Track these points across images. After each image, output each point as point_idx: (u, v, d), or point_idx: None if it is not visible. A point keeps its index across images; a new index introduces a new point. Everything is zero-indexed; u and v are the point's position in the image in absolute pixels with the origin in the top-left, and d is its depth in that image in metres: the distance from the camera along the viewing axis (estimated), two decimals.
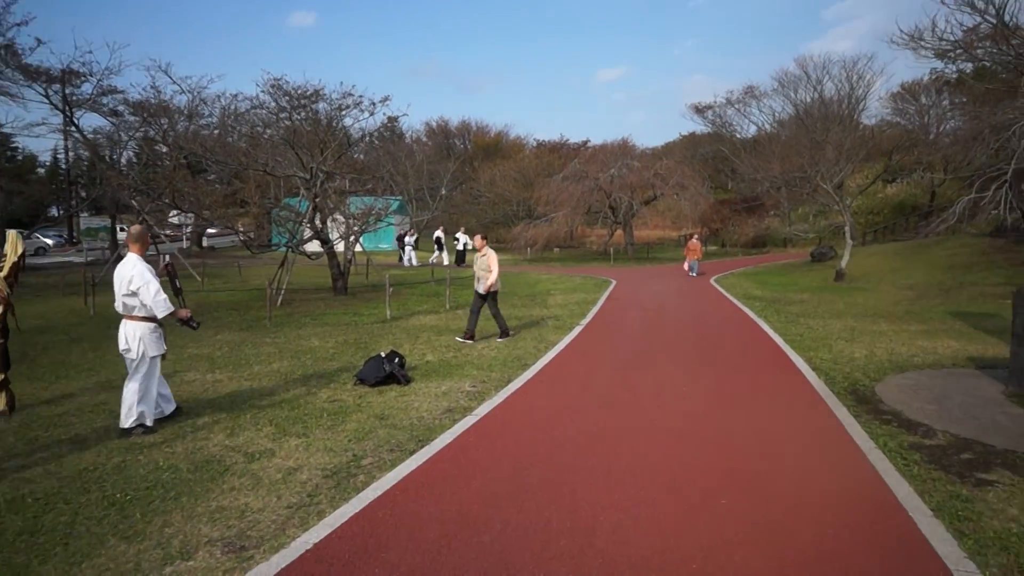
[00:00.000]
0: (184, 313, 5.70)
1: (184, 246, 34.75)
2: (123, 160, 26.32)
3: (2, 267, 5.06)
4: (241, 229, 22.54)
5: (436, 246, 31.58)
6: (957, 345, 8.98)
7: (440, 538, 3.43)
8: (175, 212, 22.51)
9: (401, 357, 7.59)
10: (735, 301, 15.08)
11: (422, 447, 5.01)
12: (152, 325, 5.37)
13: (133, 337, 5.32)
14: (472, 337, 9.90)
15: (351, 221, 17.81)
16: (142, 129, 23.14)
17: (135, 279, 5.24)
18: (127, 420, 5.26)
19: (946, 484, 4.18)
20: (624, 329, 11.16)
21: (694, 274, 22.54)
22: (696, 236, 25.38)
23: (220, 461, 4.69)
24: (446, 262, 30.31)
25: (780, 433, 5.26)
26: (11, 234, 5.26)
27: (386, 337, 10.37)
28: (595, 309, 13.89)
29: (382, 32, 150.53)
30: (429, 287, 19.10)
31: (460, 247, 30.22)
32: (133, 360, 5.32)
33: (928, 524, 3.59)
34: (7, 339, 5.40)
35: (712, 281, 20.76)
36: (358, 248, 19.79)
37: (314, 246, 18.33)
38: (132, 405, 5.26)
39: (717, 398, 6.40)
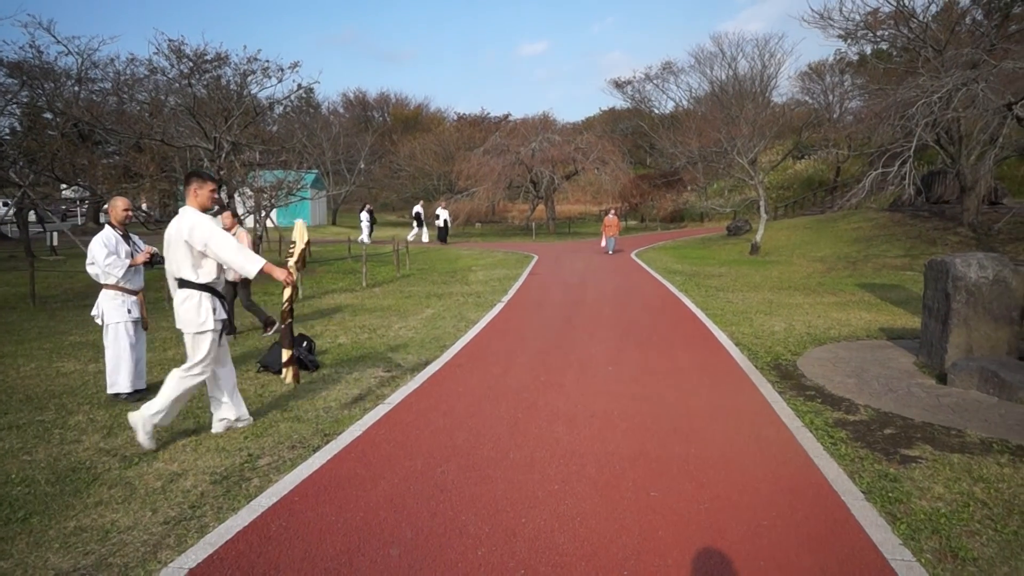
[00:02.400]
0: (141, 257, 5.67)
1: (79, 223, 32.21)
2: (1, 128, 23.86)
3: (292, 253, 5.01)
4: (144, 206, 20.97)
5: (415, 222, 30.16)
6: (869, 316, 9.19)
7: (341, 554, 3.01)
8: (65, 186, 20.64)
9: (310, 341, 7.06)
10: (656, 275, 15.13)
11: (327, 442, 4.54)
12: (112, 292, 5.53)
13: (98, 304, 5.59)
14: (270, 323, 8.65)
15: (263, 194, 16.78)
16: (22, 93, 20.93)
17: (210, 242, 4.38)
18: (111, 387, 5.56)
19: (873, 463, 4.09)
20: (546, 306, 10.91)
21: (611, 252, 21.75)
22: (613, 211, 23.92)
23: (89, 468, 4.08)
24: (425, 239, 29.14)
25: (708, 414, 5.09)
26: (299, 223, 5.21)
27: (297, 318, 9.70)
28: (517, 285, 13.60)
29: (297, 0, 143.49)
30: (346, 264, 18.32)
31: (441, 223, 28.85)
32: (101, 327, 5.60)
33: (860, 509, 3.45)
34: (292, 319, 5.08)
35: (633, 255, 20.90)
36: (270, 224, 18.75)
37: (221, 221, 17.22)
38: (108, 372, 5.55)
39: (642, 378, 6.20)
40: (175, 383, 4.45)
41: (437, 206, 30.31)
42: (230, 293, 8.27)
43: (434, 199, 37.62)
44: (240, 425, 4.89)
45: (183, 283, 4.52)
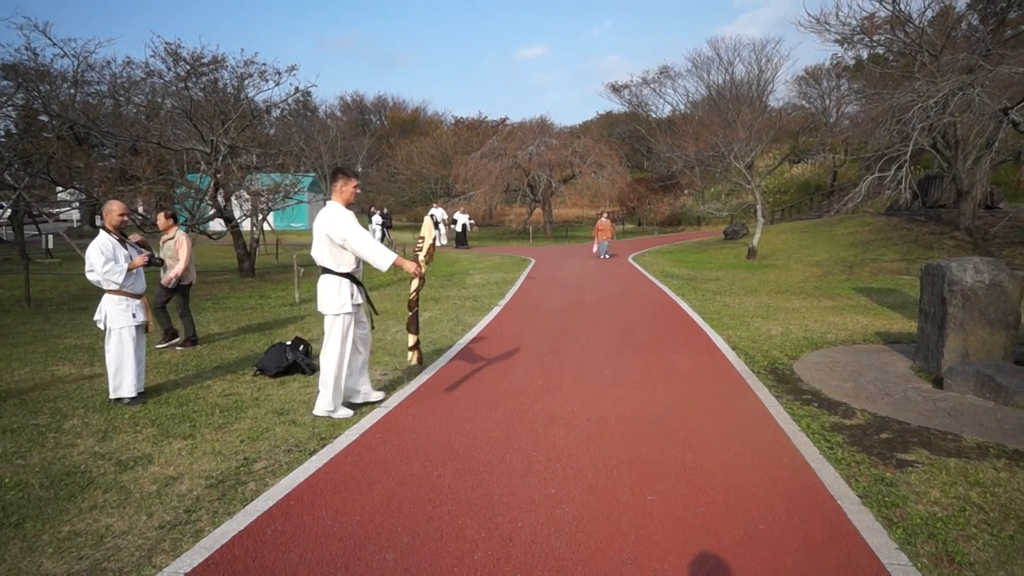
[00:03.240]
0: (140, 260, 5.68)
1: (75, 225, 32.11)
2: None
3: (421, 248, 5.33)
4: (140, 209, 20.87)
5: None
6: (865, 321, 9.21)
7: (337, 558, 3.00)
8: (62, 189, 20.57)
9: (307, 344, 7.03)
10: (653, 279, 15.15)
11: (324, 446, 4.53)
12: (116, 297, 5.52)
13: (101, 308, 5.56)
14: (173, 336, 8.16)
15: (259, 197, 16.77)
16: (18, 95, 20.88)
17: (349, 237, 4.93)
18: (112, 392, 5.53)
19: (870, 467, 4.09)
20: (543, 309, 10.91)
21: (605, 256, 21.21)
22: (606, 215, 22.64)
23: (84, 473, 4.06)
24: (444, 241, 28.56)
25: (705, 418, 5.09)
26: (427, 220, 5.58)
27: (294, 322, 9.72)
28: (514, 289, 13.60)
29: (295, 3, 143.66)
30: None
31: (459, 228, 27.96)
32: (103, 331, 5.57)
33: (857, 513, 3.45)
34: (418, 307, 5.53)
35: (630, 259, 20.92)
36: (267, 227, 18.74)
37: (217, 225, 17.18)
38: (110, 377, 5.52)
39: (639, 381, 6.20)
40: (327, 366, 5.11)
41: (455, 209, 29.69)
42: (162, 297, 8.06)
43: (433, 202, 37.55)
44: (373, 398, 5.57)
45: (325, 270, 5.10)
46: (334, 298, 5.04)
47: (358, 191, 5.19)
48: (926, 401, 5.47)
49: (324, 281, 5.09)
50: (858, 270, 15.93)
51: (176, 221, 8.34)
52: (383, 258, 4.93)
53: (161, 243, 8.22)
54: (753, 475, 3.96)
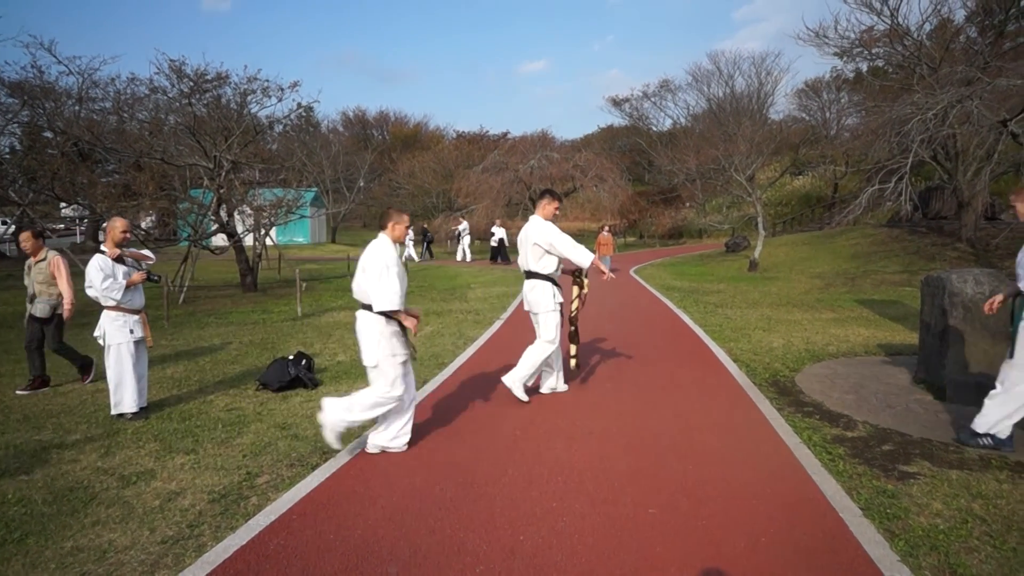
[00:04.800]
0: (138, 277, 5.71)
1: (78, 241, 32.25)
2: (2, 147, 23.97)
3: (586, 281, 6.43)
4: (145, 224, 20.97)
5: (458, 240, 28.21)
6: (867, 333, 9.20)
7: (339, 572, 3.01)
8: (65, 205, 20.69)
9: (309, 359, 7.05)
10: (654, 292, 15.16)
11: (326, 460, 4.54)
12: (114, 313, 5.55)
13: (100, 324, 5.61)
14: (43, 384, 6.80)
15: (262, 213, 16.84)
16: (23, 112, 21.07)
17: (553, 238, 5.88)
18: (113, 408, 5.56)
19: (871, 479, 4.09)
20: None
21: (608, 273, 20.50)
22: (607, 228, 21.68)
23: (87, 488, 4.07)
24: (459, 257, 27.69)
25: (706, 430, 5.09)
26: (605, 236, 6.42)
27: (296, 336, 9.73)
28: (516, 302, 13.60)
29: (297, 20, 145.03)
30: (345, 281, 18.35)
31: (495, 242, 26.12)
32: (103, 347, 5.59)
33: (858, 525, 3.45)
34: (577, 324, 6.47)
35: (631, 272, 20.94)
36: (269, 242, 18.80)
37: (220, 240, 17.25)
38: (111, 392, 5.55)
39: (641, 394, 6.20)
40: (535, 352, 5.89)
41: (492, 224, 27.95)
42: (37, 334, 6.79)
43: (433, 217, 37.59)
44: (560, 389, 6.30)
45: (531, 274, 6.00)
46: (546, 298, 5.95)
47: (558, 212, 6.11)
48: (928, 413, 5.47)
49: (531, 284, 6.01)
50: (859, 282, 15.93)
51: (43, 240, 6.91)
52: (584, 258, 5.80)
53: (29, 268, 6.84)
54: (755, 487, 3.96)
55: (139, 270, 5.78)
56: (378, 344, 4.52)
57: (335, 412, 4.52)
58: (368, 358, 4.57)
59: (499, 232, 26.26)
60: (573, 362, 6.40)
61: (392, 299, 4.40)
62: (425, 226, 28.82)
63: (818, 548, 3.21)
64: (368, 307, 4.59)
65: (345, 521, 3.55)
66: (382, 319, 4.55)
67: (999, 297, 4.74)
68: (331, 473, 4.27)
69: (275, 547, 3.27)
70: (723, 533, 3.37)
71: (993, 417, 4.52)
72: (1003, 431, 4.53)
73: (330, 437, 4.54)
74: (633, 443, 4.81)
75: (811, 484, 4.00)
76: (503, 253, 25.83)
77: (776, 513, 3.60)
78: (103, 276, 5.44)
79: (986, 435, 4.57)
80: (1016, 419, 4.49)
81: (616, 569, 3.02)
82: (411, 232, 27.16)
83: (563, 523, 3.49)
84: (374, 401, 4.56)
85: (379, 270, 4.48)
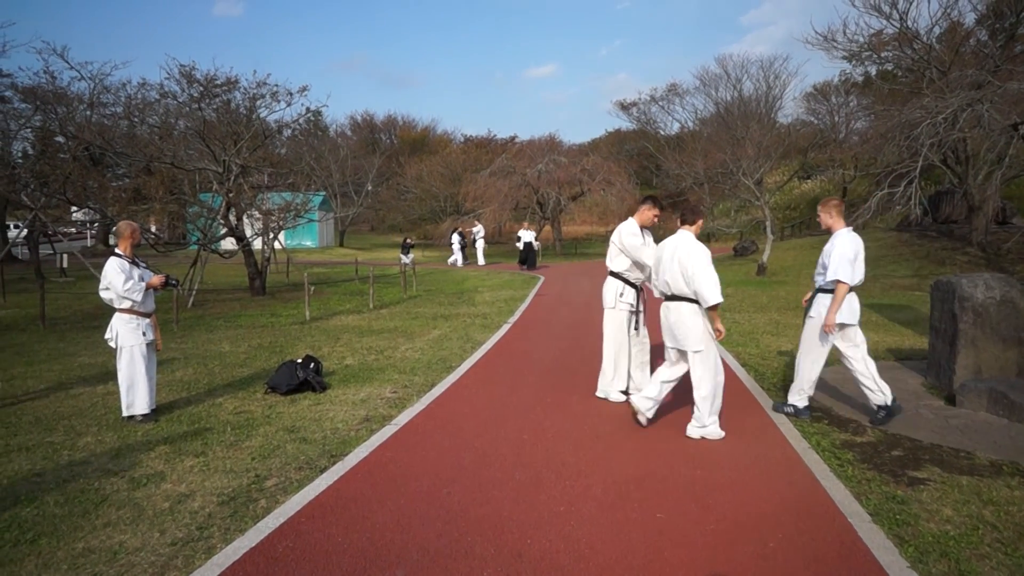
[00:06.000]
0: (157, 280, 5.80)
1: (88, 244, 32.50)
2: (15, 152, 24.19)
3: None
4: (153, 228, 21.12)
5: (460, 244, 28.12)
6: (876, 337, 9.15)
7: (348, 575, 3.02)
8: (76, 209, 20.87)
9: (317, 362, 7.07)
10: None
11: (334, 463, 4.55)
12: (127, 316, 5.61)
13: (112, 327, 5.66)
14: None
15: (271, 217, 16.93)
16: (36, 117, 21.28)
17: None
18: (125, 410, 5.61)
19: (881, 485, 4.07)
20: (553, 326, 10.93)
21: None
22: None
23: (98, 490, 4.10)
24: (461, 263, 27.54)
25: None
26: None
27: (304, 339, 9.77)
28: (523, 306, 13.62)
29: (307, 25, 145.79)
30: (353, 285, 18.42)
31: (521, 245, 24.97)
32: (114, 349, 5.65)
33: (868, 531, 3.43)
34: None
35: None
36: (278, 246, 18.88)
37: (229, 244, 17.34)
38: (123, 395, 5.60)
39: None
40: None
41: (520, 227, 27.28)
42: None
43: (441, 221, 37.61)
44: (634, 399, 5.72)
45: (612, 273, 6.09)
46: (610, 296, 6.06)
47: (656, 220, 6.09)
48: (938, 418, 5.44)
49: (607, 281, 6.12)
50: (869, 286, 15.84)
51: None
52: (644, 260, 5.89)
53: None
54: (763, 492, 3.95)
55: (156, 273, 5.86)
56: (704, 330, 4.95)
57: (695, 431, 5.00)
58: (696, 343, 4.93)
59: (527, 236, 25.36)
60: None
61: (719, 292, 4.86)
62: (460, 229, 28.77)
63: (827, 554, 3.20)
64: (686, 299, 4.98)
65: (353, 524, 3.56)
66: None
67: (808, 294, 5.81)
68: (339, 476, 4.29)
69: (284, 550, 3.28)
70: (731, 538, 3.36)
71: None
72: (799, 402, 5.53)
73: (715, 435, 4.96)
74: (640, 448, 4.81)
75: (820, 489, 3.99)
76: (532, 258, 25.05)
77: (785, 518, 3.59)
78: (124, 277, 5.51)
79: (790, 404, 5.56)
80: (799, 393, 5.50)
81: (624, 574, 3.02)
82: (459, 236, 26.89)
83: (571, 527, 3.49)
84: (711, 392, 4.95)
85: (703, 265, 4.88)
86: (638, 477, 4.22)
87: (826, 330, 5.25)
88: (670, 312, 5.12)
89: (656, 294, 5.48)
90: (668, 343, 5.21)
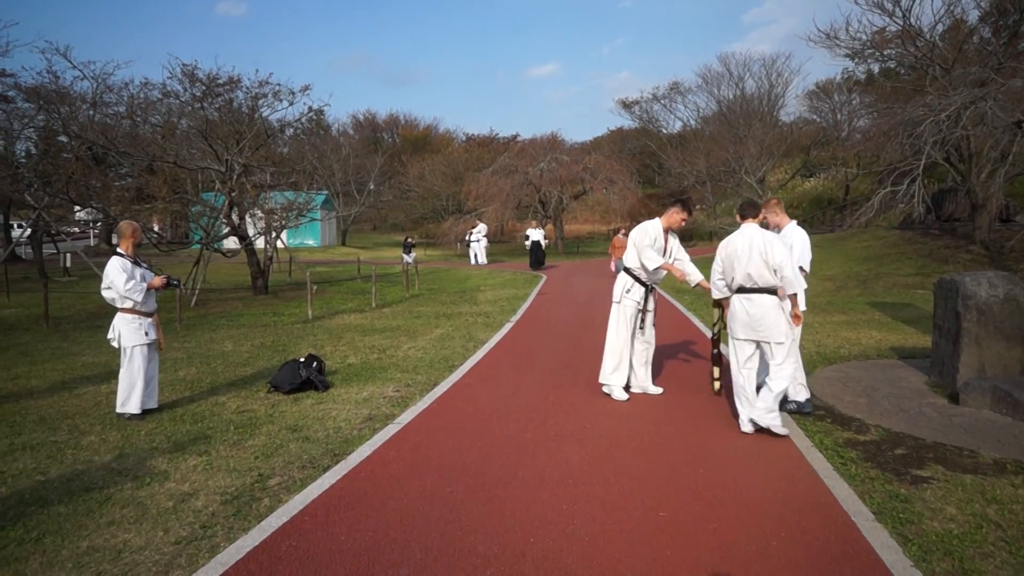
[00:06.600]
0: (159, 281, 5.86)
1: (92, 243, 32.55)
2: (18, 151, 24.24)
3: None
4: (156, 227, 21.15)
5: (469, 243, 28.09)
6: (879, 336, 9.14)
7: (351, 574, 3.02)
8: (79, 208, 20.92)
9: (320, 361, 7.08)
10: (664, 294, 15.13)
11: (337, 462, 4.56)
12: (129, 316, 5.65)
13: (114, 327, 5.70)
14: None
15: (273, 216, 16.96)
16: (39, 117, 21.33)
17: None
18: (121, 407, 5.65)
19: (884, 483, 4.06)
20: (555, 325, 10.93)
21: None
22: (623, 231, 21.33)
23: (102, 489, 4.11)
24: (477, 261, 27.51)
25: (717, 434, 5.08)
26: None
27: (307, 338, 9.78)
28: (526, 305, 13.63)
29: (309, 24, 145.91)
30: (355, 284, 18.44)
31: (529, 244, 24.44)
32: (117, 349, 5.74)
33: (871, 529, 3.43)
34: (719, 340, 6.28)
35: None
36: (280, 245, 18.91)
37: (231, 243, 17.37)
38: (119, 392, 5.66)
39: (651, 398, 6.19)
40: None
41: (528, 226, 26.71)
42: None
43: (443, 220, 37.60)
44: (652, 392, 6.26)
45: (625, 269, 6.20)
46: (617, 289, 6.15)
47: (683, 223, 6.15)
48: (941, 417, 5.42)
49: (620, 276, 6.25)
50: (872, 284, 15.82)
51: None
52: (652, 263, 5.94)
53: None
54: (766, 491, 3.95)
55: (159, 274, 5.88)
56: (787, 322, 5.04)
57: (763, 419, 4.96)
58: (781, 335, 4.96)
59: (535, 235, 24.70)
60: (717, 384, 6.22)
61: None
62: (476, 226, 28.72)
63: (830, 552, 3.20)
64: (766, 290, 5.02)
65: (356, 523, 3.57)
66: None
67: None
68: (342, 475, 4.29)
69: (287, 548, 3.29)
70: (734, 537, 3.36)
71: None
72: (799, 396, 5.61)
73: (780, 430, 4.95)
74: (643, 446, 4.81)
75: (823, 488, 3.99)
76: (540, 257, 24.58)
77: (788, 517, 3.59)
78: (126, 277, 5.54)
79: (791, 401, 5.58)
80: (794, 387, 5.52)
81: (627, 572, 3.02)
82: (476, 233, 26.64)
83: (574, 526, 3.49)
84: (786, 387, 5.01)
85: (788, 253, 5.04)
86: (640, 475, 4.22)
87: (794, 322, 5.28)
88: (752, 305, 5.05)
89: (715, 293, 5.52)
90: (744, 336, 5.12)
